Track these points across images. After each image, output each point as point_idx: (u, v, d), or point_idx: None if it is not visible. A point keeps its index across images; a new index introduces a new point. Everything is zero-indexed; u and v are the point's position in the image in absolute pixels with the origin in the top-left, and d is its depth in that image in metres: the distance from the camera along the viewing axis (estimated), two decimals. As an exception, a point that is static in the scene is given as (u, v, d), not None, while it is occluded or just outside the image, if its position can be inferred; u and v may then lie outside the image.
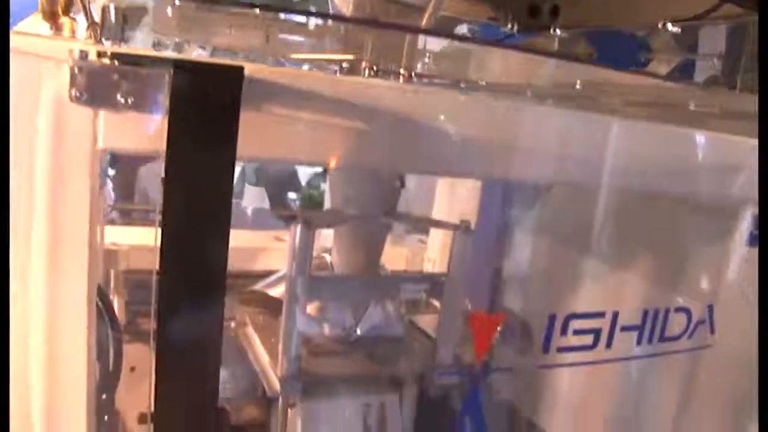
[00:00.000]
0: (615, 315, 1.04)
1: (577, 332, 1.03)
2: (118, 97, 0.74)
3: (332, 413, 1.42)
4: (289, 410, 1.48)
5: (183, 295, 0.72)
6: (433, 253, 1.94)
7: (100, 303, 1.21)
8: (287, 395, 1.40)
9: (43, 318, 0.83)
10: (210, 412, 0.76)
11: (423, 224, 1.87)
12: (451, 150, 0.90)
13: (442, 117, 0.88)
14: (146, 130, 0.75)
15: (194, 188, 0.74)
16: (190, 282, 0.73)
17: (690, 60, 1.82)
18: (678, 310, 1.08)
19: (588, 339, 1.05)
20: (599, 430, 1.34)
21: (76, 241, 0.80)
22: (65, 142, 0.77)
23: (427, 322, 1.64)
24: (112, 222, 2.82)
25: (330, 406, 1.42)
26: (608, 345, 1.05)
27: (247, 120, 0.73)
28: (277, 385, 1.37)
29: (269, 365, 1.43)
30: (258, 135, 0.77)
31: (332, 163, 0.90)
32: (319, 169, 6.82)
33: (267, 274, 1.66)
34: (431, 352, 1.44)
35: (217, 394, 0.75)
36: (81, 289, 0.83)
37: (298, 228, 1.27)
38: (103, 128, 0.77)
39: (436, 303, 1.70)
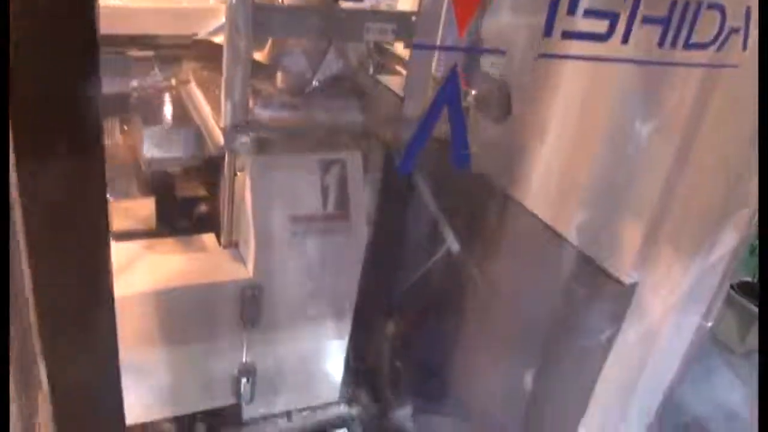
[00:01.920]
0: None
1: (588, 13, 0.81)
2: None
3: (286, 171, 1.26)
4: (237, 173, 1.31)
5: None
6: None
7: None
8: (232, 149, 1.22)
9: None
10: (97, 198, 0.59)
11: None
12: None
13: None
14: None
15: None
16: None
17: None
18: (711, 7, 0.86)
19: (602, 26, 0.83)
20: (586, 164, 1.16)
21: None
22: None
23: (396, 83, 1.45)
24: None
25: (283, 162, 1.25)
26: (624, 39, 0.84)
27: None
28: (220, 139, 1.19)
29: (212, 118, 1.24)
30: None
31: None
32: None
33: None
34: (397, 107, 1.27)
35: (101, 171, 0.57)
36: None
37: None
38: None
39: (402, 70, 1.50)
